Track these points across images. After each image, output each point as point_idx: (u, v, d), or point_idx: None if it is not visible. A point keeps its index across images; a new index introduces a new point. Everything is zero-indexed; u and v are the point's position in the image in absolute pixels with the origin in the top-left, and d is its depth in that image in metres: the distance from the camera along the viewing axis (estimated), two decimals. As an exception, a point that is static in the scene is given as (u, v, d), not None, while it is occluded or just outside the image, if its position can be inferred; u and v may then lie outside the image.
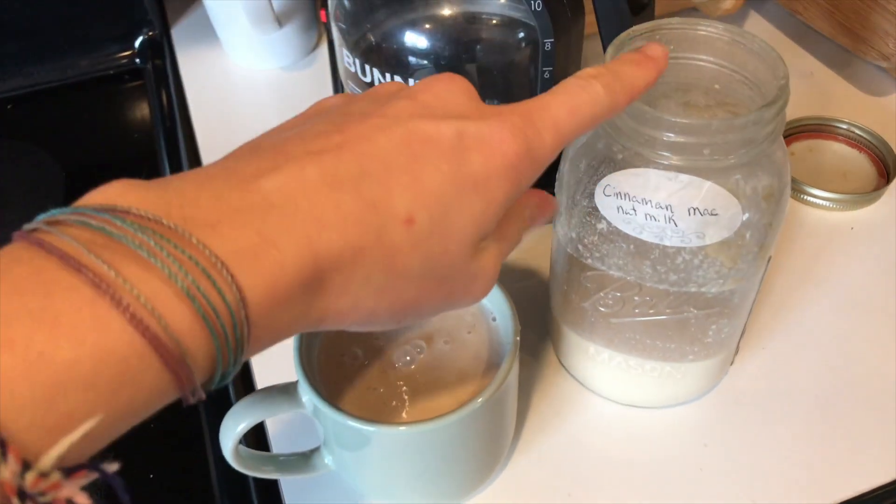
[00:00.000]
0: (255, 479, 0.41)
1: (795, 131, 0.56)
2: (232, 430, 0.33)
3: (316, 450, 0.37)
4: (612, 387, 0.41)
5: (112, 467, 0.18)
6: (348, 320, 0.23)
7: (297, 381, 0.34)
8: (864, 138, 0.55)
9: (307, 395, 0.33)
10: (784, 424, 0.41)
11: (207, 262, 0.19)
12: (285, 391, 0.34)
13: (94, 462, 0.18)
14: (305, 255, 0.21)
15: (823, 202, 0.51)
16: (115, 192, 0.20)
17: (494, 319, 0.37)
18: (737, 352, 0.42)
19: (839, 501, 0.38)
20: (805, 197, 0.52)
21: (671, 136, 0.30)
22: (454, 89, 0.26)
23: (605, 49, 0.44)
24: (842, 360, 0.44)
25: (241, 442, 0.34)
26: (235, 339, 0.19)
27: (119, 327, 0.17)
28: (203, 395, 0.20)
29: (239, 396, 0.36)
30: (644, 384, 0.40)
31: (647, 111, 0.30)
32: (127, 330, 0.18)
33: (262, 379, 0.44)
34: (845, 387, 0.42)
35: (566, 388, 0.43)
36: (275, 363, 0.45)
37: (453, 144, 0.24)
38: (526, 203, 0.30)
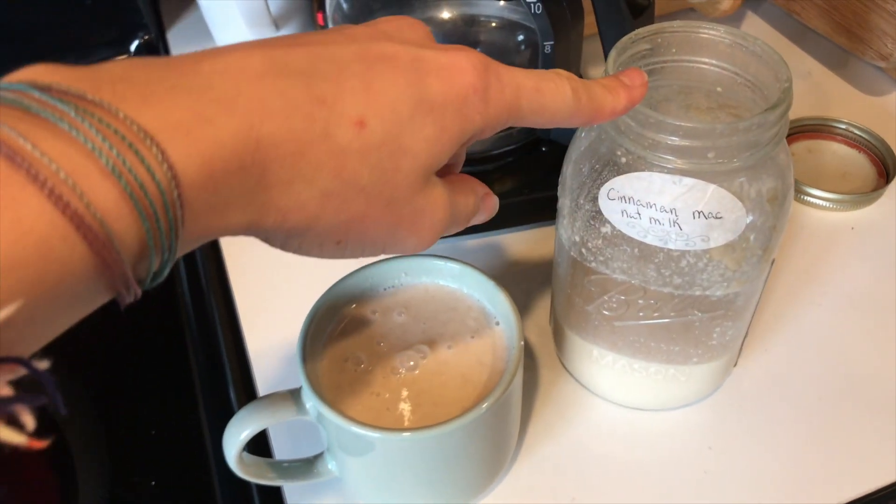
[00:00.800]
0: (259, 486, 0.41)
1: (794, 132, 0.56)
2: (235, 437, 0.33)
3: (319, 455, 0.37)
4: (616, 390, 0.41)
5: (42, 364, 0.17)
6: (290, 221, 0.22)
7: (300, 388, 0.34)
8: (863, 138, 0.55)
9: (311, 402, 0.33)
10: (787, 426, 0.41)
11: (135, 136, 0.17)
12: (289, 397, 0.34)
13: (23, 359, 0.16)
14: (245, 138, 0.20)
15: (823, 202, 0.51)
16: (39, 71, 0.18)
17: (498, 324, 0.37)
18: (740, 354, 0.42)
19: (843, 502, 0.38)
20: (805, 197, 0.52)
21: (675, 140, 0.30)
22: (416, 26, 0.26)
23: (605, 51, 0.45)
24: (843, 360, 0.44)
25: (244, 449, 0.34)
26: (168, 221, 0.18)
27: (37, 205, 0.16)
28: (139, 292, 0.19)
29: (241, 403, 0.36)
30: (648, 387, 0.40)
31: (650, 115, 0.30)
32: (46, 208, 0.16)
33: (264, 386, 0.44)
34: (847, 388, 0.42)
35: (569, 391, 0.43)
36: (277, 370, 0.45)
37: (411, 65, 0.23)
38: (476, 188, 0.29)
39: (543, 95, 0.26)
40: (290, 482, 0.38)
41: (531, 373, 0.44)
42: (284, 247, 0.24)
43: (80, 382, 0.48)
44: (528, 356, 0.45)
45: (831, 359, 0.44)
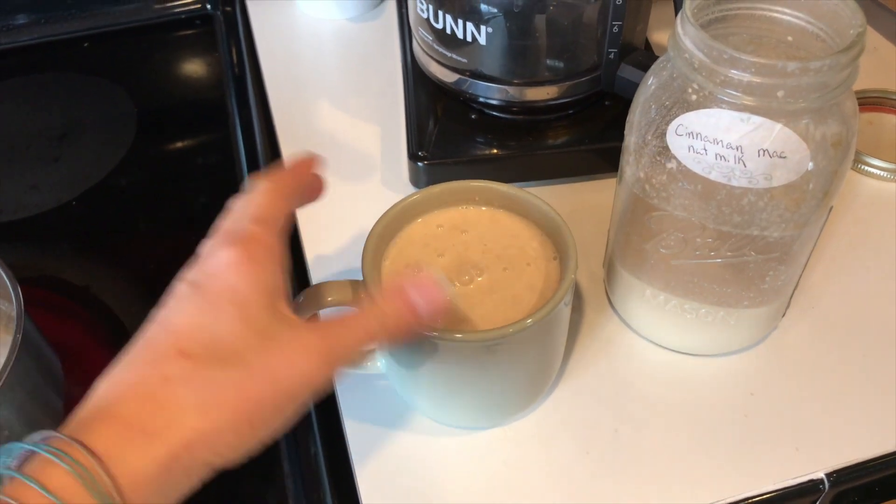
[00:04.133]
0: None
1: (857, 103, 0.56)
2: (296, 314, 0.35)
3: (371, 351, 0.39)
4: (664, 331, 0.43)
5: None
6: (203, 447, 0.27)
7: (361, 280, 0.36)
8: (926, 113, 0.55)
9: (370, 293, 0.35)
10: (828, 380, 0.42)
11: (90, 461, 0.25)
12: (348, 286, 0.36)
13: None
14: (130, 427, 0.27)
15: (881, 172, 0.52)
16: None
17: (555, 258, 0.38)
18: (788, 305, 0.43)
19: (880, 454, 0.39)
20: (863, 167, 0.52)
21: (746, 77, 0.31)
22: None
23: (677, 4, 0.45)
24: (887, 325, 0.44)
25: None
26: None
27: None
28: None
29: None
30: (697, 329, 0.41)
31: (724, 50, 0.31)
32: None
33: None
34: (888, 350, 0.43)
35: (616, 332, 0.44)
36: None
37: (194, 289, 0.29)
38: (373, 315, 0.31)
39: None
40: None
41: (579, 314, 0.45)
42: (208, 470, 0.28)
43: (152, 301, 0.51)
44: (578, 299, 0.46)
45: (876, 321, 0.45)
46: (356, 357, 0.31)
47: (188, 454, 0.26)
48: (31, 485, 0.24)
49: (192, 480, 0.27)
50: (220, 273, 0.29)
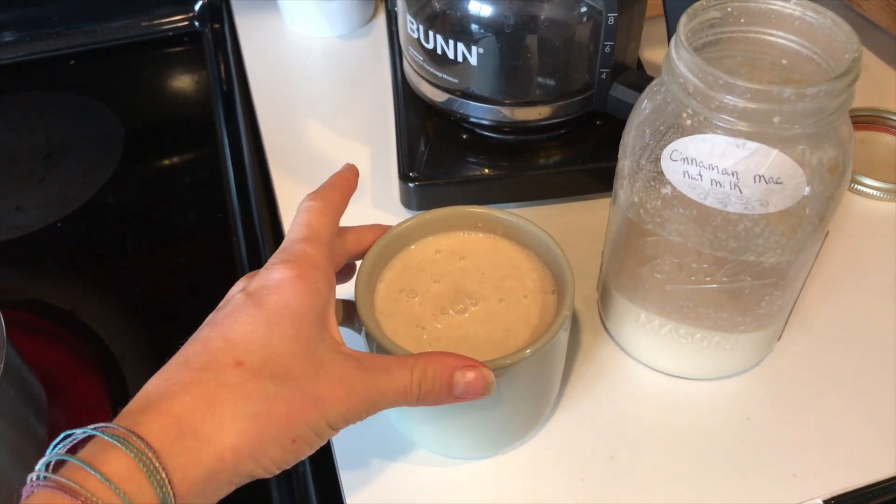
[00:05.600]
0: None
1: (848, 121, 0.56)
2: None
3: None
4: (659, 356, 0.42)
5: None
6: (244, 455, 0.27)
7: (354, 301, 0.35)
8: (918, 131, 0.55)
9: (361, 319, 0.35)
10: (825, 403, 0.42)
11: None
12: (340, 305, 0.35)
13: None
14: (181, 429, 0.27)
15: (874, 192, 0.52)
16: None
17: (553, 293, 0.37)
18: (784, 328, 0.42)
19: (879, 479, 0.39)
20: (856, 186, 0.52)
21: (742, 102, 0.31)
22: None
23: (670, 28, 0.45)
24: (884, 345, 0.44)
25: None
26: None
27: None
28: None
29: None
30: (692, 354, 0.41)
31: (719, 76, 0.31)
32: None
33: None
34: (886, 372, 0.43)
35: (611, 357, 0.44)
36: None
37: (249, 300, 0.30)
38: (420, 365, 0.31)
39: None
40: None
41: (574, 337, 0.45)
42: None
43: (140, 325, 0.50)
44: (573, 322, 0.46)
45: (872, 343, 0.44)
46: (387, 407, 0.31)
47: (234, 462, 0.27)
48: (89, 470, 0.24)
49: (230, 488, 0.27)
50: (277, 288, 0.30)
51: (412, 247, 0.39)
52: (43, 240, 0.56)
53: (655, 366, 0.43)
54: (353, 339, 0.39)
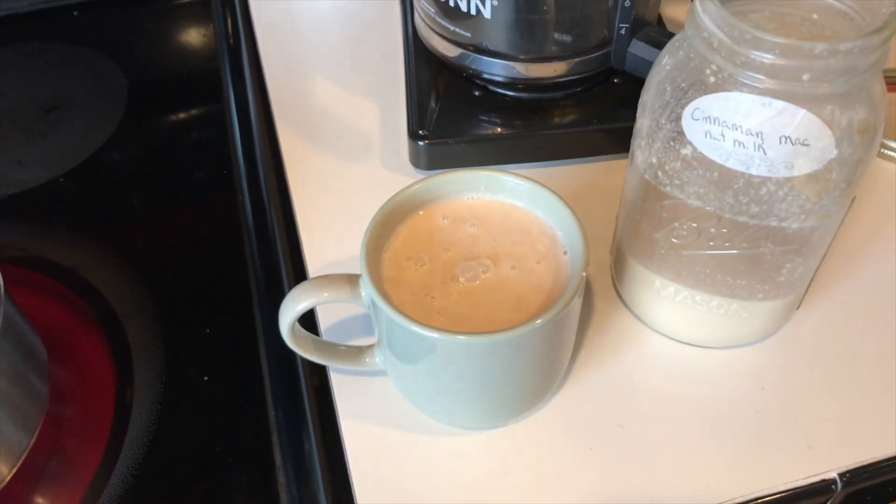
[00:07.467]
0: (308, 384, 0.41)
1: (876, 83, 0.54)
2: (291, 308, 0.34)
3: (369, 347, 0.38)
4: (674, 323, 0.41)
5: None
6: None
7: (359, 275, 0.34)
8: (949, 95, 0.53)
9: (367, 290, 0.33)
10: (843, 375, 0.40)
11: None
12: (345, 280, 0.34)
13: None
14: None
15: (901, 157, 0.50)
16: None
17: (565, 253, 0.36)
18: (804, 297, 0.41)
19: (894, 454, 0.38)
20: (885, 151, 0.50)
21: (770, 58, 0.29)
22: None
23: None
24: (909, 316, 0.43)
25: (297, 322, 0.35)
26: None
27: None
28: None
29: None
30: (708, 322, 0.39)
31: (746, 30, 0.29)
32: None
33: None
34: (910, 343, 0.42)
35: (624, 323, 0.43)
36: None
37: None
38: None
39: None
40: (336, 364, 0.39)
41: (586, 304, 0.44)
42: None
43: (143, 283, 0.49)
44: (585, 287, 0.44)
45: (895, 315, 0.43)
46: None
47: None
48: None
49: None
50: None
51: (417, 214, 0.38)
52: (45, 195, 0.55)
53: (669, 334, 0.42)
54: (358, 316, 0.38)
